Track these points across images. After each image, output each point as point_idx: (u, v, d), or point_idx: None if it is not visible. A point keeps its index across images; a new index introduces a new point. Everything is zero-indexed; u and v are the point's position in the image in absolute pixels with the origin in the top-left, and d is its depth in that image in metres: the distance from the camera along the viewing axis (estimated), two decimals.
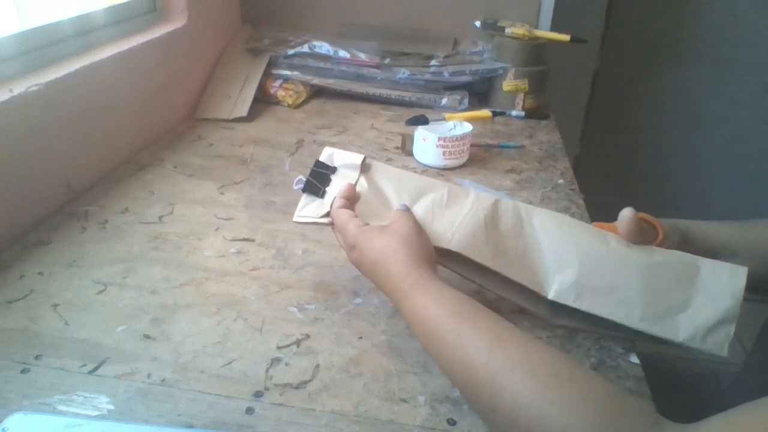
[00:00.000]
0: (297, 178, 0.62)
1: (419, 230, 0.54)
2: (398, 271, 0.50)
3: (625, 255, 0.54)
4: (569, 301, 0.54)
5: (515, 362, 0.41)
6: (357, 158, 0.62)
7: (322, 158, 0.64)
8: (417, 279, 0.49)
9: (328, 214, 0.59)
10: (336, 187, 0.61)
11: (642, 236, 0.56)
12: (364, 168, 0.62)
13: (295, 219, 0.61)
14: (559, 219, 0.58)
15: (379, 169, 0.62)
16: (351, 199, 0.59)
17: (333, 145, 1.04)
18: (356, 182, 0.61)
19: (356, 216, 0.57)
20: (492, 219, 0.57)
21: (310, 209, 0.61)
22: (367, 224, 0.55)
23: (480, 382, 0.42)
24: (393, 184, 0.61)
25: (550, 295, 0.54)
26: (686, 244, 0.59)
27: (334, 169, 0.62)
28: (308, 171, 0.62)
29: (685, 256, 0.54)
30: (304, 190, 0.62)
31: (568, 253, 0.55)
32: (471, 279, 0.57)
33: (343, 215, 0.56)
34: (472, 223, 0.56)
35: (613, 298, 0.53)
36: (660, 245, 0.56)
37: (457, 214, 0.57)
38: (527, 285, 0.55)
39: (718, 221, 0.62)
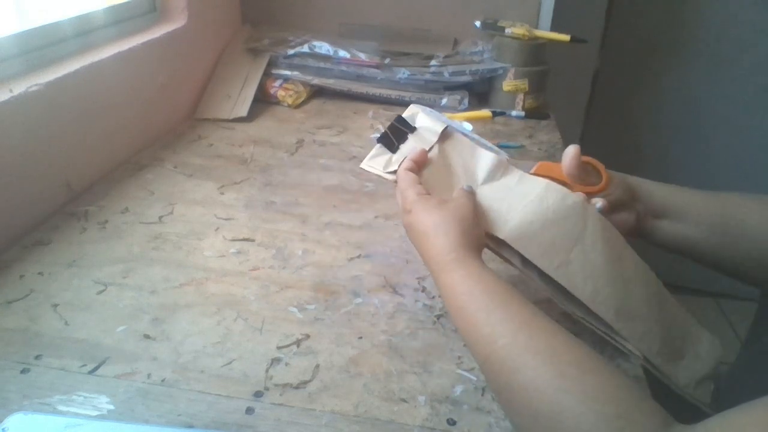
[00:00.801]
0: (378, 128, 0.60)
1: (475, 215, 0.54)
2: (443, 245, 0.51)
3: (652, 293, 0.55)
4: (608, 318, 0.53)
5: (538, 347, 0.42)
6: (439, 126, 0.61)
7: (405, 115, 0.63)
8: (460, 256, 0.50)
9: (394, 172, 0.59)
10: (410, 147, 0.60)
11: (585, 178, 0.58)
12: (443, 137, 0.61)
13: (363, 165, 0.61)
14: (610, 243, 0.55)
15: (458, 142, 0.61)
16: (420, 164, 0.58)
17: (333, 144, 1.05)
18: (430, 148, 0.60)
19: (420, 183, 0.57)
20: (555, 214, 0.55)
21: (378, 161, 0.60)
22: (428, 194, 0.55)
23: (500, 360, 0.42)
24: (465, 161, 0.60)
25: (588, 300, 0.53)
26: (633, 200, 0.60)
27: (413, 129, 0.61)
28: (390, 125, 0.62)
29: (681, 310, 0.57)
30: (379, 140, 0.61)
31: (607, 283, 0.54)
32: (512, 263, 0.57)
33: (407, 178, 0.56)
34: (531, 213, 0.55)
35: (639, 327, 0.53)
36: (602, 191, 0.57)
37: (520, 200, 0.56)
38: (568, 288, 0.53)
39: (674, 186, 0.62)
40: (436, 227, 0.52)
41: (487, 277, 0.48)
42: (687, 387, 0.53)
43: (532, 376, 0.40)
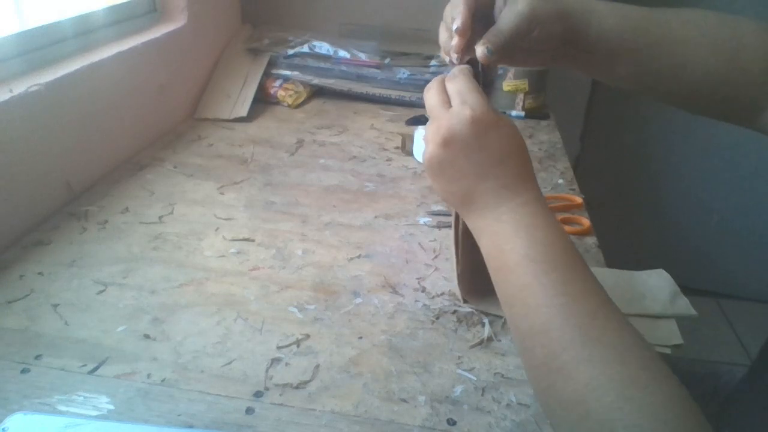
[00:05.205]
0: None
1: None
2: (522, 174, 0.44)
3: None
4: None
5: (611, 339, 0.36)
6: None
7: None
8: (538, 194, 0.44)
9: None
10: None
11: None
12: None
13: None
14: None
15: None
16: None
17: (333, 144, 1.05)
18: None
19: None
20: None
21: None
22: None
23: (562, 342, 0.36)
24: None
25: None
26: (573, 33, 0.50)
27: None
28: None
29: (619, 273, 0.66)
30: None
31: None
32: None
33: (468, 76, 0.48)
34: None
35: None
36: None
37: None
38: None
39: (628, 6, 0.51)
40: (519, 148, 0.45)
41: (564, 234, 0.41)
42: (665, 310, 0.58)
43: (597, 373, 0.34)
